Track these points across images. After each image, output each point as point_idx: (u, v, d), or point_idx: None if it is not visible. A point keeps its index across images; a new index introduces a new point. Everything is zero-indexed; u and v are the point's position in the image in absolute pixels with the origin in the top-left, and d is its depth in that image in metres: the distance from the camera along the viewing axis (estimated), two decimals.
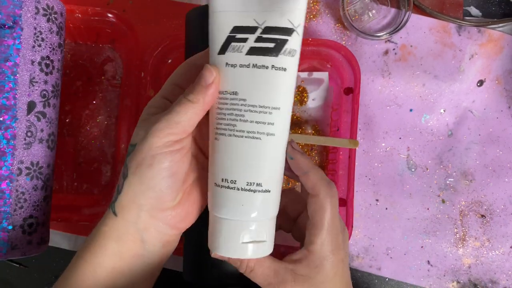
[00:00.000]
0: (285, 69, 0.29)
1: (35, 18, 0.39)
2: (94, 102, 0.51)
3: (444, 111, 0.53)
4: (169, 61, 0.50)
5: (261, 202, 0.30)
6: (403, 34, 0.52)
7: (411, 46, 0.52)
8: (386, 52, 0.52)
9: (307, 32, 0.52)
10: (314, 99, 0.52)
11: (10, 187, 0.37)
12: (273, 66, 0.29)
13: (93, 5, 0.46)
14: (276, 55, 0.29)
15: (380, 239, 0.51)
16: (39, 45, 0.39)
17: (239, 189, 0.29)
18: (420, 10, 0.52)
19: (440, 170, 0.52)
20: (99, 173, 0.50)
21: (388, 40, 0.52)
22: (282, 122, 0.30)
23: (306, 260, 0.31)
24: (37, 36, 0.39)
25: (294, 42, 0.29)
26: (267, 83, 0.29)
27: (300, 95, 0.52)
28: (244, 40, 0.29)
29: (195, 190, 0.33)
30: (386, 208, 0.52)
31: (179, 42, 0.44)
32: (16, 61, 0.38)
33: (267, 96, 0.29)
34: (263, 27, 0.29)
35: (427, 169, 0.52)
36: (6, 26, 0.37)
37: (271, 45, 0.29)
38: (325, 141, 0.49)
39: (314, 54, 0.49)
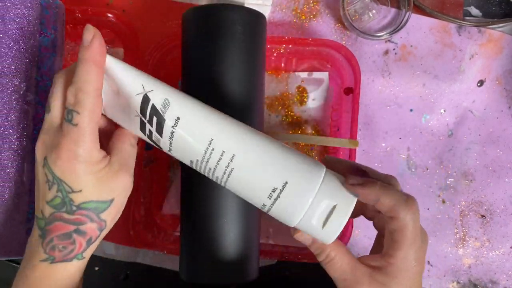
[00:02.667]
0: None
1: (62, 30, 0.41)
2: None
3: (444, 111, 0.52)
4: (169, 61, 0.50)
5: None
6: (403, 34, 0.52)
7: (411, 46, 0.52)
8: (386, 52, 0.52)
9: (307, 32, 0.52)
10: (314, 99, 0.52)
11: None
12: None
13: (93, 5, 0.46)
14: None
15: None
16: (61, 55, 0.42)
17: None
18: (420, 10, 0.52)
19: (440, 170, 0.52)
20: None
21: (388, 40, 0.52)
22: None
23: (385, 270, 0.32)
24: (62, 47, 0.42)
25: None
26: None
27: (300, 95, 0.52)
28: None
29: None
30: None
31: (179, 42, 0.44)
32: (54, 69, 0.40)
33: None
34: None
35: (427, 169, 0.52)
36: (48, 35, 0.39)
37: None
38: (325, 141, 0.49)
39: (314, 54, 0.49)
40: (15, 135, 0.37)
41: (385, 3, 0.52)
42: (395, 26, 0.51)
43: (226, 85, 0.38)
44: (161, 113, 0.30)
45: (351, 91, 0.47)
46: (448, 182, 0.52)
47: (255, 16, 0.40)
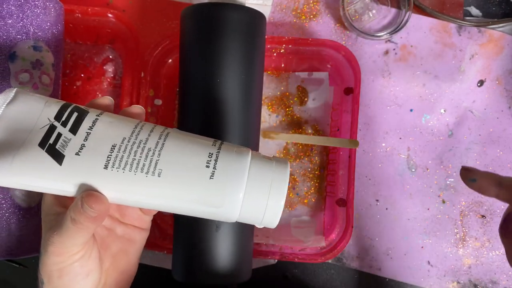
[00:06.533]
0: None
1: (62, 30, 0.43)
2: None
3: (444, 111, 0.52)
4: (169, 61, 0.50)
5: None
6: (403, 34, 0.52)
7: (411, 46, 0.52)
8: (386, 52, 0.52)
9: (307, 32, 0.52)
10: (314, 99, 0.52)
11: None
12: None
13: (93, 5, 0.46)
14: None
15: (380, 239, 0.51)
16: (62, 55, 0.43)
17: None
18: (420, 10, 0.52)
19: (440, 170, 0.52)
20: None
21: (388, 40, 0.52)
22: None
23: None
24: (62, 47, 0.44)
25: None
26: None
27: (300, 95, 0.52)
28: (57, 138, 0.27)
29: (120, 261, 0.33)
30: (386, 208, 0.52)
31: (179, 42, 0.44)
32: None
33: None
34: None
35: (427, 169, 0.52)
36: None
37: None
38: (325, 141, 0.49)
39: (314, 54, 0.49)
40: None
41: (385, 3, 0.52)
42: (395, 26, 0.51)
43: (224, 84, 0.38)
44: (85, 109, 0.29)
45: (351, 91, 0.47)
46: (448, 182, 0.52)
47: (255, 16, 0.40)
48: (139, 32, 0.48)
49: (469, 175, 0.30)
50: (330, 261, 0.51)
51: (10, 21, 0.37)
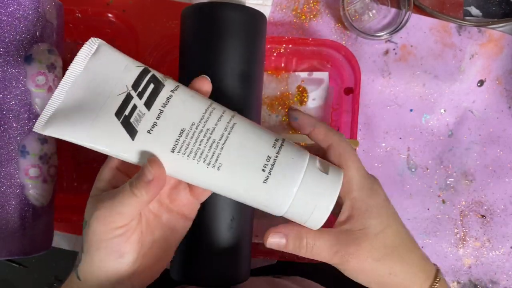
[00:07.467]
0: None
1: (62, 30, 0.43)
2: None
3: (444, 111, 0.52)
4: (169, 61, 0.50)
5: None
6: (403, 34, 0.52)
7: (411, 46, 0.52)
8: (386, 52, 0.52)
9: (307, 32, 0.52)
10: (314, 99, 0.52)
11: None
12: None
13: (93, 5, 0.46)
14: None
15: None
16: (61, 55, 0.44)
17: None
18: (420, 10, 0.52)
19: (440, 170, 0.52)
20: None
21: (388, 40, 0.52)
22: None
23: (354, 211, 0.32)
24: (62, 47, 0.44)
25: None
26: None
27: (300, 95, 0.52)
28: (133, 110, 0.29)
29: (159, 248, 0.33)
30: None
31: (179, 42, 0.44)
32: None
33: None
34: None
35: (427, 169, 0.52)
36: None
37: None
38: None
39: (314, 54, 0.49)
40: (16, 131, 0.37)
41: (385, 3, 0.52)
42: (395, 26, 0.51)
43: (224, 85, 0.38)
44: (162, 80, 0.30)
45: (351, 91, 0.47)
46: (448, 182, 0.52)
47: (256, 16, 0.40)
48: (139, 32, 0.48)
49: (293, 114, 0.35)
50: None
51: (25, 23, 0.37)
